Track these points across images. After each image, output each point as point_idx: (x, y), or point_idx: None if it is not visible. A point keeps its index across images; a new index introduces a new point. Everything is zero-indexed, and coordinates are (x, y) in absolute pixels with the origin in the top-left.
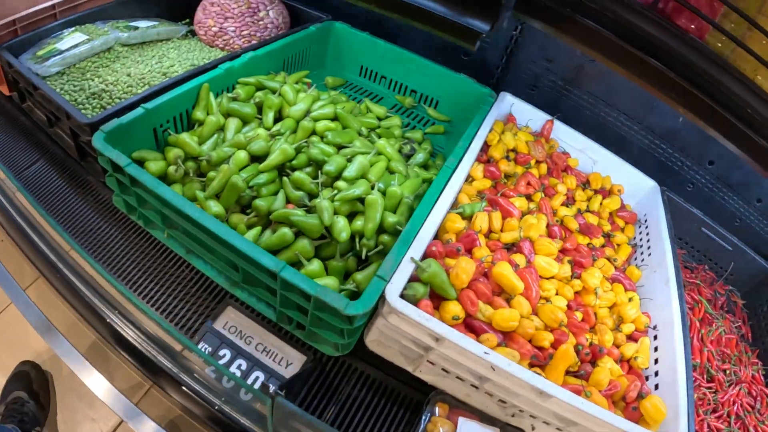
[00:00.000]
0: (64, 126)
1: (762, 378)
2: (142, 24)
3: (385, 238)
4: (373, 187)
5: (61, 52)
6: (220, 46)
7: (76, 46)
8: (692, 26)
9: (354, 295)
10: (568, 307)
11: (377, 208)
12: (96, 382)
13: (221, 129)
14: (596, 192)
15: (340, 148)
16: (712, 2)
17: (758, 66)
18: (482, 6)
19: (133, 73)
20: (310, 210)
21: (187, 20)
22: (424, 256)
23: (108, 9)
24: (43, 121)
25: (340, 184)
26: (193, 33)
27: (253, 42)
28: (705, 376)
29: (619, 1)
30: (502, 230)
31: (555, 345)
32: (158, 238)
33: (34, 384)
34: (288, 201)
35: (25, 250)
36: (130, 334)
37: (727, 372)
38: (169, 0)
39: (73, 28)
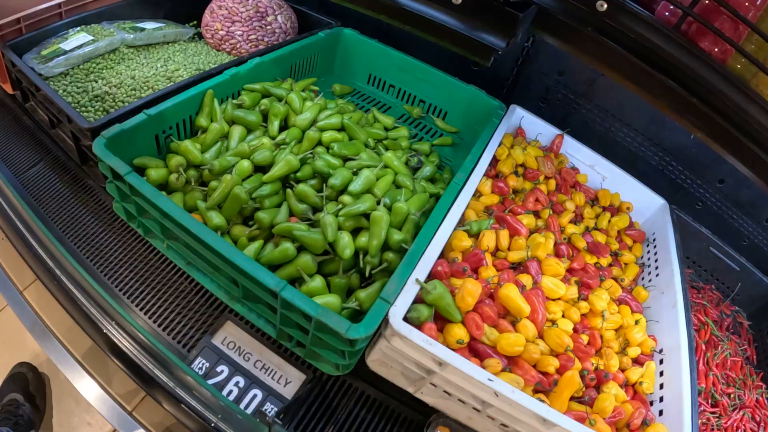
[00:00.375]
0: (65, 128)
1: (766, 402)
2: (149, 25)
3: (389, 255)
4: (378, 202)
5: (66, 52)
6: (227, 50)
7: (80, 46)
8: (715, 49)
9: (356, 314)
10: (575, 329)
11: (382, 224)
12: (89, 389)
13: (225, 136)
14: (605, 209)
15: (346, 160)
16: (737, 26)
17: None
18: (498, 22)
19: (138, 76)
20: (313, 224)
21: (195, 22)
22: (430, 277)
23: (114, 9)
24: (46, 122)
25: (345, 198)
26: (200, 35)
27: (261, 47)
28: (709, 401)
29: (640, 20)
30: (509, 249)
31: (560, 370)
32: (158, 247)
33: (30, 386)
34: (291, 214)
35: (23, 253)
36: (125, 344)
37: (732, 396)
38: (176, 1)
39: (78, 28)
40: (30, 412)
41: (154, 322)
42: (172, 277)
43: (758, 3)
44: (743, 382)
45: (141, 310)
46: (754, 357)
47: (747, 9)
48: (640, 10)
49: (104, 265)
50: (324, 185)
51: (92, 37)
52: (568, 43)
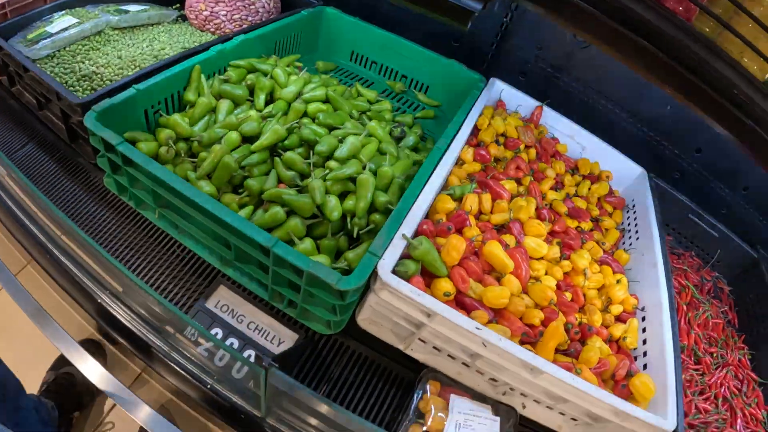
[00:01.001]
0: (54, 108)
1: (748, 362)
2: (133, 8)
3: (376, 217)
4: (364, 167)
5: (51, 35)
6: (211, 30)
7: (66, 29)
8: (680, 8)
9: (346, 274)
10: (558, 287)
11: (368, 187)
12: (88, 367)
13: (213, 111)
14: (585, 177)
15: (331, 129)
16: None
17: (744, 48)
18: None
19: (124, 56)
20: (301, 190)
21: (178, 5)
22: (416, 235)
23: None
24: (33, 105)
25: (332, 164)
26: (183, 17)
27: (245, 26)
28: (692, 358)
29: None
30: (492, 212)
31: (545, 323)
32: (149, 218)
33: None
34: (280, 181)
35: (16, 234)
36: (122, 314)
37: (714, 355)
38: None
39: (63, 12)
40: (81, 392)
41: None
42: (164, 248)
43: None
44: (725, 343)
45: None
46: (736, 320)
47: None
48: None
49: (97, 238)
50: (311, 152)
51: (77, 20)
52: (544, 7)
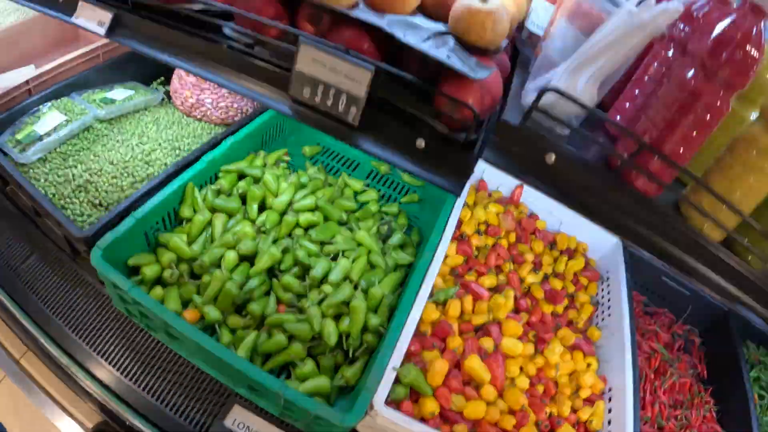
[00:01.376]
0: (53, 220)
1: (713, 416)
2: (118, 95)
3: (369, 337)
4: (356, 287)
5: (41, 137)
6: (198, 117)
7: (55, 129)
8: (650, 186)
9: (343, 389)
10: (531, 383)
11: (361, 312)
12: None
13: (209, 223)
14: (562, 252)
15: (323, 243)
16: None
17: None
18: (455, 166)
19: (116, 160)
20: (299, 309)
21: (162, 79)
22: (405, 355)
23: (82, 78)
24: (30, 209)
25: (327, 288)
26: (168, 95)
27: (231, 113)
28: (656, 427)
29: (583, 167)
30: (473, 311)
31: (517, 425)
32: (162, 341)
33: None
34: (279, 301)
35: (13, 327)
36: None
37: (678, 417)
38: (141, 63)
39: (49, 104)
40: None
41: (166, 406)
42: (177, 364)
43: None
44: (691, 402)
45: (153, 397)
46: (705, 372)
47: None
48: (583, 159)
49: (108, 354)
50: (305, 274)
51: (65, 117)
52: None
